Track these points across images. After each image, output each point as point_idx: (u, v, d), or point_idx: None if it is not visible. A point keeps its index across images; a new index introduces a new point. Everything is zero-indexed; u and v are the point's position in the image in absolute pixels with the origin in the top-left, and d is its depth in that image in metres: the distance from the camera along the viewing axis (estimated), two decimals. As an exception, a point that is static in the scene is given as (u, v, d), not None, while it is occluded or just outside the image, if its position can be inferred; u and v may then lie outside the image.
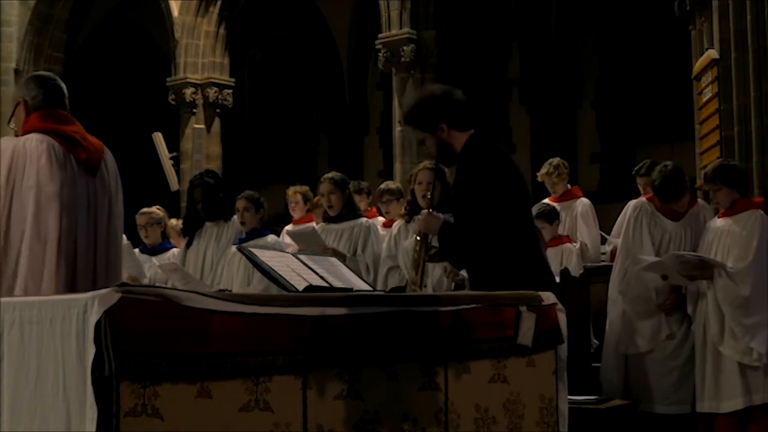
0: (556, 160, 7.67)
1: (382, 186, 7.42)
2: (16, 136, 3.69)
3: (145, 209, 7.36)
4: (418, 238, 4.04)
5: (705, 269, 5.37)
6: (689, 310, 5.58)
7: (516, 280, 3.67)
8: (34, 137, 3.57)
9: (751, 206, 5.48)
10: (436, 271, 5.60)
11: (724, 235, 5.47)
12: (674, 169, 5.68)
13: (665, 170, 5.67)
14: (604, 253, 7.74)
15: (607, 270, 6.69)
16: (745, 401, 5.26)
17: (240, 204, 6.27)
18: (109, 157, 3.77)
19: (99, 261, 3.62)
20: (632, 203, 6.00)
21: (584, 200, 7.70)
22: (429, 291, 5.35)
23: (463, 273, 5.46)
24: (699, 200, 6.00)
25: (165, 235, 7.44)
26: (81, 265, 3.54)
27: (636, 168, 7.54)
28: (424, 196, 4.16)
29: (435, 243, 4.09)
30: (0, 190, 3.46)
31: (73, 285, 3.49)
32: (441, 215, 4.02)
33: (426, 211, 4.07)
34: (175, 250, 7.19)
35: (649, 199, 5.89)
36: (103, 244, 3.65)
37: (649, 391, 5.66)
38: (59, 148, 3.57)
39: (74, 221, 3.54)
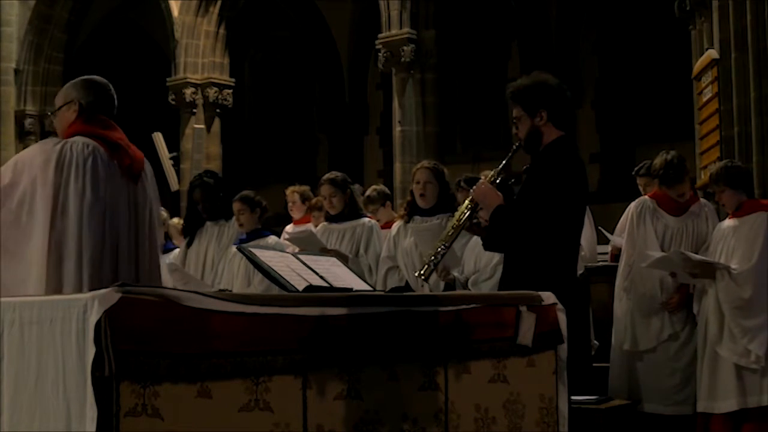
0: None
1: (365, 195, 7.40)
2: (55, 135, 3.69)
3: None
4: (470, 203, 4.04)
5: (707, 269, 5.39)
6: (695, 309, 5.59)
7: (550, 279, 3.73)
8: (80, 140, 3.54)
9: (759, 208, 5.49)
10: (433, 274, 5.60)
11: (729, 236, 5.48)
12: (676, 154, 5.77)
13: (666, 155, 5.77)
14: (606, 253, 7.73)
15: (607, 270, 6.70)
16: (739, 403, 5.26)
17: (235, 206, 6.24)
18: (148, 167, 3.78)
19: (141, 268, 3.60)
20: (634, 202, 6.02)
21: None
22: (427, 291, 5.34)
23: (455, 273, 5.46)
24: (701, 198, 6.02)
25: (167, 236, 7.45)
26: (123, 270, 3.52)
27: (636, 168, 7.55)
28: (498, 176, 4.13)
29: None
30: (41, 191, 3.44)
31: None
32: (500, 194, 4.03)
33: (488, 183, 4.06)
34: (178, 250, 7.20)
35: (651, 197, 5.92)
36: (145, 251, 3.64)
37: (650, 391, 5.66)
38: (104, 153, 3.56)
39: (117, 226, 3.53)
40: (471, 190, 4.12)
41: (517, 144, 4.11)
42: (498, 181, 4.09)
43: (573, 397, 3.86)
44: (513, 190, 4.27)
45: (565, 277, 3.92)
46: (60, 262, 3.39)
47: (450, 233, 4.01)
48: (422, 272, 3.96)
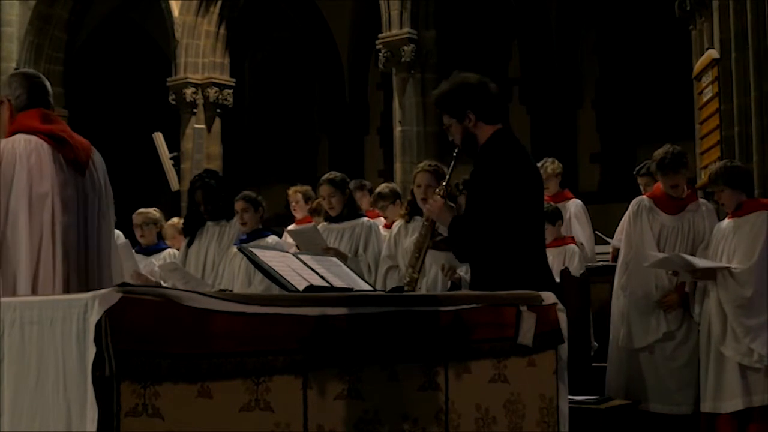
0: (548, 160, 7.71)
1: (375, 192, 7.42)
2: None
3: (142, 209, 7.40)
4: (426, 222, 3.97)
5: (708, 272, 5.40)
6: (696, 311, 5.59)
7: (518, 278, 3.65)
8: (21, 138, 3.57)
9: (759, 207, 5.51)
10: (432, 271, 5.60)
11: (730, 235, 5.49)
12: (679, 148, 5.78)
13: (668, 147, 5.77)
14: (607, 254, 7.75)
15: (607, 270, 6.70)
16: (744, 402, 5.28)
17: (238, 205, 6.26)
18: (96, 156, 3.78)
19: (90, 260, 3.65)
20: (633, 201, 6.03)
21: (577, 201, 7.77)
22: (423, 291, 5.34)
23: (460, 272, 5.45)
24: (700, 198, 6.03)
25: (160, 236, 7.46)
26: (73, 263, 3.56)
27: (637, 168, 7.57)
28: (438, 190, 4.04)
29: (442, 231, 4.04)
30: None
31: (68, 284, 3.51)
32: (453, 206, 3.94)
33: (440, 199, 3.97)
34: (170, 250, 7.22)
35: (648, 196, 5.94)
36: (95, 244, 3.67)
37: (650, 391, 5.66)
38: (47, 147, 3.58)
39: (68, 219, 3.56)
40: (425, 209, 4.03)
41: (456, 151, 4.01)
42: (447, 193, 4.01)
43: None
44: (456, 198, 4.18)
45: (533, 269, 3.81)
46: (18, 261, 3.42)
47: (417, 256, 3.91)
48: None
